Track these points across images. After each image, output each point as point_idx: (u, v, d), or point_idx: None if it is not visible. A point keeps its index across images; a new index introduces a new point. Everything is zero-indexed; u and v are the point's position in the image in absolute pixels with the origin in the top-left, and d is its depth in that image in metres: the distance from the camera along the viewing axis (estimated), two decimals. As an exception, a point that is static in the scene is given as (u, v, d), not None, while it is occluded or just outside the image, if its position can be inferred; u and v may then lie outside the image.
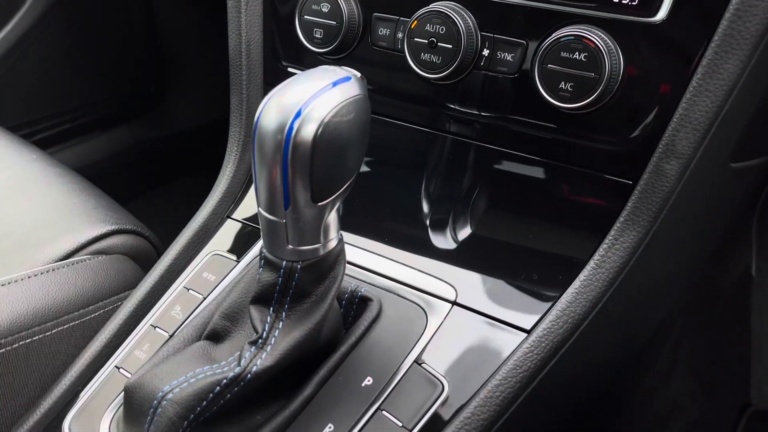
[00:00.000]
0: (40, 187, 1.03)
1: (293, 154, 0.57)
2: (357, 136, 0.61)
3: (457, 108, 0.78)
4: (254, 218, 0.89)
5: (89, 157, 2.04)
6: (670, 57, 0.64)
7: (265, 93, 0.91)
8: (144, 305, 0.82)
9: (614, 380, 0.93)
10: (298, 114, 0.57)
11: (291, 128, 0.57)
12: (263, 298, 0.66)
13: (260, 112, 0.59)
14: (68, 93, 1.95)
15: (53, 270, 0.83)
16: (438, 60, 0.74)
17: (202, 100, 2.30)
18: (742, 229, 1.14)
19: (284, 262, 0.63)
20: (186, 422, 0.62)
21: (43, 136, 1.95)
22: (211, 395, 0.63)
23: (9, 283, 0.78)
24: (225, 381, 0.63)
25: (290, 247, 0.63)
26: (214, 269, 0.83)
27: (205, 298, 0.80)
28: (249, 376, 0.63)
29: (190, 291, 0.82)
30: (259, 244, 0.84)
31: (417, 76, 0.76)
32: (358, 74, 0.62)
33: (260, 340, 0.65)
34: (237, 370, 0.63)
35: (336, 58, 0.83)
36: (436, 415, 0.65)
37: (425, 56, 0.75)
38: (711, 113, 0.62)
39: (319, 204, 0.61)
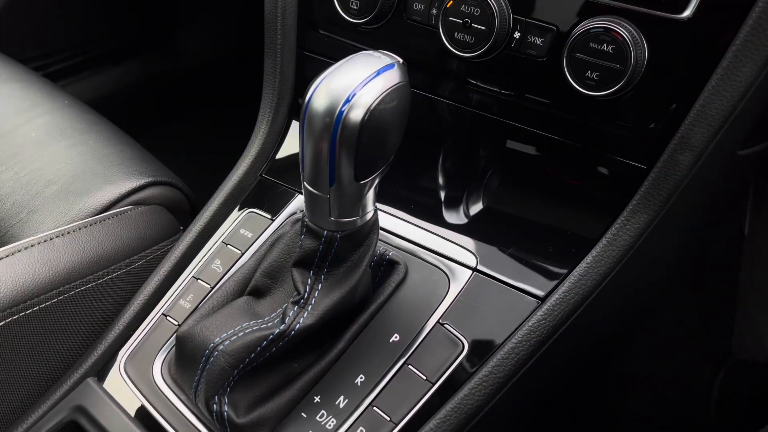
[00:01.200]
0: (77, 135, 1.07)
1: (341, 137, 0.62)
2: (398, 121, 0.65)
3: (484, 85, 0.82)
4: (286, 177, 0.94)
5: (101, 89, 2.06)
6: (692, 55, 0.69)
7: (298, 58, 0.95)
8: (185, 258, 0.89)
9: (613, 337, 1.02)
10: (348, 100, 0.62)
11: (340, 113, 0.61)
12: (304, 262, 0.72)
13: (310, 96, 0.63)
14: (80, 26, 1.96)
15: (100, 222, 0.89)
16: (471, 40, 0.78)
17: (213, 34, 2.30)
18: (740, 194, 1.20)
19: (325, 232, 0.70)
20: (236, 371, 0.70)
21: (56, 68, 1.96)
22: (258, 348, 0.70)
23: (62, 234, 0.84)
24: (271, 336, 0.70)
25: (332, 219, 0.69)
26: (250, 226, 0.89)
27: (243, 254, 0.86)
28: (292, 332, 0.70)
29: (228, 246, 0.88)
30: (292, 204, 0.91)
31: (450, 54, 0.80)
32: (401, 60, 0.66)
33: (302, 300, 0.72)
34: (282, 327, 0.70)
35: (370, 28, 0.87)
36: (456, 371, 0.73)
37: (459, 35, 0.78)
38: (725, 112, 0.67)
39: (361, 182, 0.66)
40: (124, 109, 2.08)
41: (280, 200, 0.91)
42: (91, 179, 0.97)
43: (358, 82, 0.62)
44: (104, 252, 0.86)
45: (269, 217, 0.90)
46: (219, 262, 0.87)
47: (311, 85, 0.64)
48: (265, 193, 0.93)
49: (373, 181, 0.68)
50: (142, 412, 0.77)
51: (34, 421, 0.77)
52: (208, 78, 2.30)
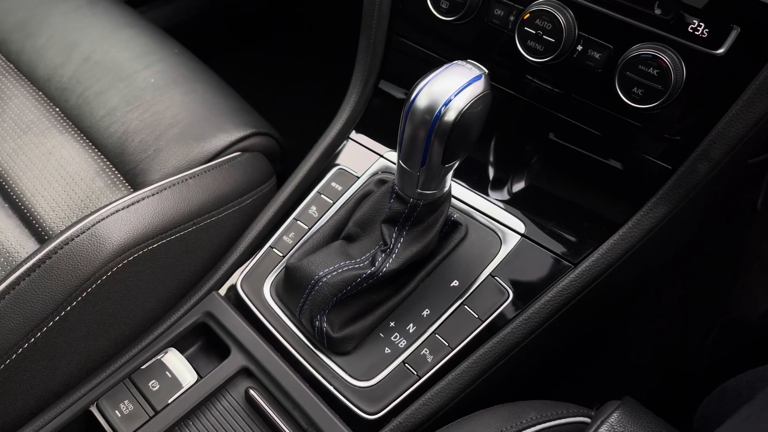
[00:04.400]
0: (188, 83, 1.25)
1: (436, 132, 0.80)
2: (480, 122, 0.83)
3: (540, 82, 0.98)
4: (370, 140, 1.13)
5: (175, 16, 2.21)
6: (721, 84, 0.85)
7: (389, 39, 1.12)
8: (288, 203, 1.09)
9: (626, 294, 1.22)
10: (445, 104, 0.79)
11: (439, 113, 0.79)
12: (392, 220, 0.92)
13: (415, 96, 0.81)
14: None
15: (218, 166, 1.09)
16: (541, 49, 0.94)
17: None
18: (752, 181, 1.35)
19: (411, 199, 0.89)
20: (335, 298, 0.92)
21: (136, -5, 2.11)
22: (353, 283, 0.91)
23: (194, 176, 1.05)
24: (364, 275, 0.91)
25: (418, 190, 0.88)
26: (339, 180, 1.09)
27: (334, 203, 1.07)
28: (380, 274, 0.91)
29: (321, 195, 1.08)
30: (375, 166, 1.10)
31: (520, 57, 0.96)
32: (486, 71, 0.83)
33: (388, 249, 0.92)
34: (372, 269, 0.91)
35: (456, 23, 1.02)
36: (502, 314, 0.94)
37: (531, 43, 0.94)
38: (741, 134, 0.84)
39: (446, 165, 0.85)
40: (197, 33, 2.24)
41: (364, 161, 1.10)
42: (205, 126, 1.17)
43: (454, 90, 0.80)
44: (223, 192, 1.07)
45: (356, 174, 1.09)
46: (315, 209, 1.07)
47: (416, 86, 0.81)
48: (351, 153, 1.12)
49: (454, 164, 0.86)
50: (255, 319, 0.99)
51: (173, 321, 1.00)
52: (277, 6, 2.43)
